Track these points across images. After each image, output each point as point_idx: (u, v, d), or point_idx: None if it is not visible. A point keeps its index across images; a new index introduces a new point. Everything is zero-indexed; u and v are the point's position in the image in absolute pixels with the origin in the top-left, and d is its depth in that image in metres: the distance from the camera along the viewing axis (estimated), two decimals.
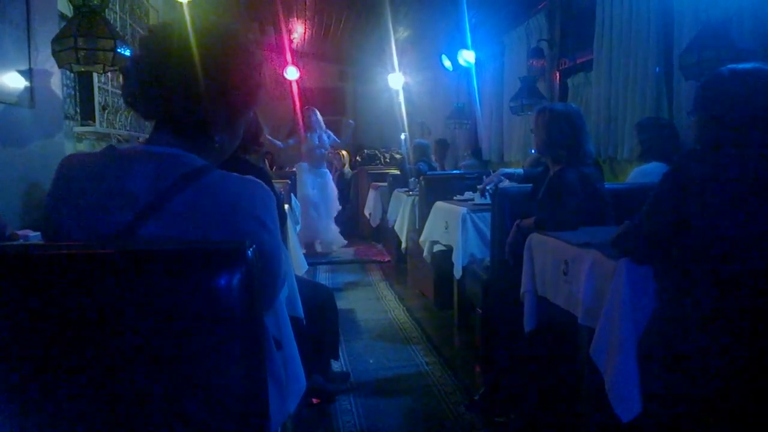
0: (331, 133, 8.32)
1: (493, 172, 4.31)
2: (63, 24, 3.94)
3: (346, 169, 10.65)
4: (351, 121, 8.63)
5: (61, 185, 1.38)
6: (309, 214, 7.90)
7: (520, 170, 3.94)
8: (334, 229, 8.39)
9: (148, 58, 1.41)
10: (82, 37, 3.51)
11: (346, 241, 8.57)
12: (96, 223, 1.32)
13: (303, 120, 8.18)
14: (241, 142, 3.01)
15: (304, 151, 8.15)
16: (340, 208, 8.62)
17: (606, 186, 3.16)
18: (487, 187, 3.78)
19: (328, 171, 8.54)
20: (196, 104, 1.39)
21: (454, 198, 5.15)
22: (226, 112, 1.47)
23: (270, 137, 8.10)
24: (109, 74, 4.98)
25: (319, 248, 8.17)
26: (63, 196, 1.37)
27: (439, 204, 5.01)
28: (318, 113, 8.18)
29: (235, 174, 1.41)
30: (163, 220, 1.31)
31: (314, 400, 3.32)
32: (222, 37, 1.44)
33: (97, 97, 4.83)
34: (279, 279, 1.57)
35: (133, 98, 1.45)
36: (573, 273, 2.46)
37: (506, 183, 3.92)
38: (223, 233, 1.33)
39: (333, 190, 8.49)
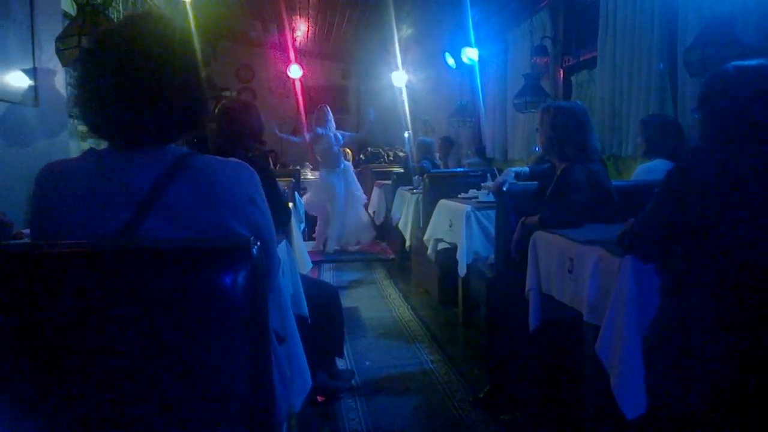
0: (347, 134, 8.40)
1: (497, 170, 4.30)
2: (66, 22, 3.94)
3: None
4: (372, 109, 8.69)
5: (49, 193, 1.38)
6: (344, 215, 8.08)
7: (526, 168, 3.93)
8: (370, 221, 8.50)
9: (114, 64, 1.37)
10: (86, 36, 3.51)
11: (374, 232, 8.64)
12: (94, 225, 1.32)
13: (317, 118, 8.19)
14: (243, 140, 3.04)
15: (319, 151, 8.16)
16: (366, 199, 8.68)
17: (612, 183, 3.15)
18: (503, 189, 3.74)
19: (347, 163, 8.56)
20: (182, 99, 1.41)
21: (458, 196, 5.14)
22: (198, 100, 1.47)
23: (283, 135, 8.18)
24: None
25: (354, 245, 8.35)
26: (54, 204, 1.36)
27: (443, 202, 5.01)
28: (330, 111, 8.19)
29: (219, 158, 1.44)
30: (160, 214, 1.32)
31: (319, 398, 3.32)
32: (176, 30, 1.43)
33: None
34: (275, 258, 1.61)
35: (99, 110, 1.39)
36: (578, 270, 2.45)
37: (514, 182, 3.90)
38: (221, 218, 1.36)
39: (354, 177, 8.57)
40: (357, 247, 8.36)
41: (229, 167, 1.43)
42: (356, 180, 8.55)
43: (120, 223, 1.31)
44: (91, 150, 1.42)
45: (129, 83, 1.35)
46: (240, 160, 1.46)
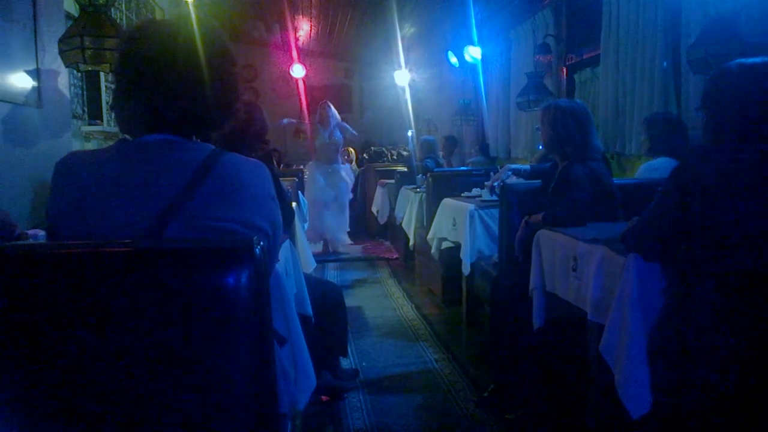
0: (348, 127, 8.35)
1: (501, 168, 4.30)
2: (69, 23, 3.94)
3: (354, 166, 10.64)
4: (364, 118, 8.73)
5: (69, 193, 1.37)
6: (319, 213, 7.92)
7: (527, 166, 3.93)
8: (344, 227, 8.35)
9: (153, 59, 1.42)
10: (89, 37, 3.51)
11: (350, 241, 8.50)
12: (120, 220, 1.33)
13: (318, 115, 8.17)
14: (247, 139, 3.03)
15: (317, 147, 8.16)
16: (351, 196, 8.56)
17: (614, 181, 3.15)
18: (495, 184, 3.76)
19: (341, 166, 8.42)
20: (213, 98, 1.46)
21: (462, 195, 5.14)
22: (228, 102, 1.53)
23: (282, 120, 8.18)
24: None
25: (330, 248, 8.18)
26: (73, 205, 1.36)
27: (446, 201, 5.01)
28: (332, 107, 8.16)
29: (243, 156, 1.49)
30: (189, 213, 1.33)
31: (323, 398, 3.32)
32: (213, 34, 1.49)
33: (105, 96, 4.83)
34: (279, 246, 1.68)
35: (137, 101, 1.44)
36: (582, 269, 2.45)
37: (513, 179, 3.90)
38: (248, 216, 1.41)
39: (346, 184, 8.38)
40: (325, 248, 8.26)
41: (253, 166, 1.48)
42: (345, 185, 8.38)
43: (146, 221, 1.32)
44: (123, 141, 1.46)
45: (163, 77, 1.41)
46: (259, 161, 1.51)
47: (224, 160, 1.41)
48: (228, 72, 1.50)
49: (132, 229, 1.32)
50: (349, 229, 8.47)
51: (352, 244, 8.52)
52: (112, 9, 3.94)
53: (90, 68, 3.73)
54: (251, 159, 1.50)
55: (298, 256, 2.89)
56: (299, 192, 5.97)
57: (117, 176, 1.36)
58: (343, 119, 8.45)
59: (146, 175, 1.35)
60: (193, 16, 1.49)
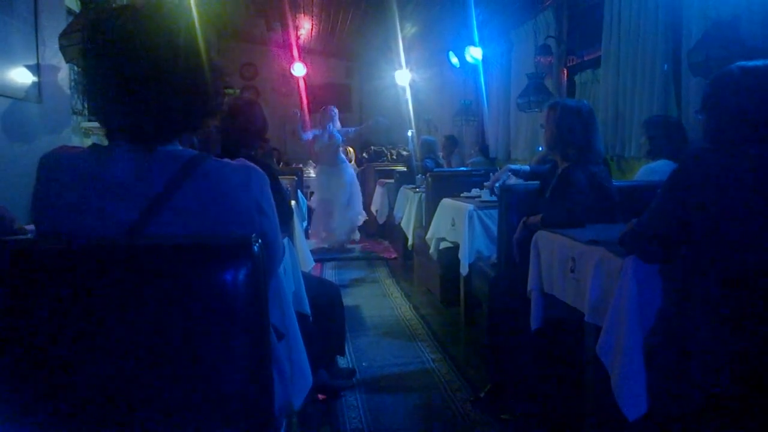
0: (350, 130, 8.37)
1: (500, 169, 4.29)
2: (70, 19, 3.95)
3: (353, 165, 10.63)
4: (384, 119, 8.73)
5: (53, 187, 1.34)
6: (328, 214, 8.01)
7: (527, 167, 3.92)
8: (354, 225, 8.41)
9: (113, 52, 1.31)
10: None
11: (358, 236, 8.57)
12: (99, 225, 1.29)
13: (321, 118, 8.18)
14: (247, 138, 3.03)
15: (317, 150, 8.16)
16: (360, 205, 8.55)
17: (614, 183, 3.14)
18: (495, 185, 3.75)
19: (345, 165, 8.41)
20: (185, 94, 1.36)
21: (461, 195, 5.13)
22: (202, 96, 1.42)
23: (303, 132, 8.14)
24: None
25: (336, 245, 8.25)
26: (57, 199, 1.33)
27: (445, 201, 5.00)
28: (333, 110, 8.16)
29: (228, 161, 1.40)
30: (167, 216, 1.30)
31: (320, 397, 3.32)
32: (180, 20, 1.36)
33: None
34: (277, 262, 1.59)
35: (100, 99, 1.37)
36: (580, 270, 2.45)
37: (513, 180, 3.90)
38: (226, 224, 1.33)
39: (352, 183, 8.39)
40: (332, 246, 8.28)
41: (239, 173, 1.38)
42: (349, 183, 8.33)
43: (124, 225, 1.28)
44: (95, 146, 1.39)
45: (128, 72, 1.30)
46: (250, 164, 1.42)
47: (206, 167, 1.34)
48: (197, 64, 1.35)
49: (110, 230, 1.29)
50: (361, 218, 8.52)
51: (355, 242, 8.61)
52: (114, 5, 3.94)
53: None
54: (240, 164, 1.40)
55: (297, 255, 2.89)
56: (298, 190, 5.97)
57: (92, 182, 1.31)
58: (342, 119, 8.42)
59: (122, 183, 1.30)
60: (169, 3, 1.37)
